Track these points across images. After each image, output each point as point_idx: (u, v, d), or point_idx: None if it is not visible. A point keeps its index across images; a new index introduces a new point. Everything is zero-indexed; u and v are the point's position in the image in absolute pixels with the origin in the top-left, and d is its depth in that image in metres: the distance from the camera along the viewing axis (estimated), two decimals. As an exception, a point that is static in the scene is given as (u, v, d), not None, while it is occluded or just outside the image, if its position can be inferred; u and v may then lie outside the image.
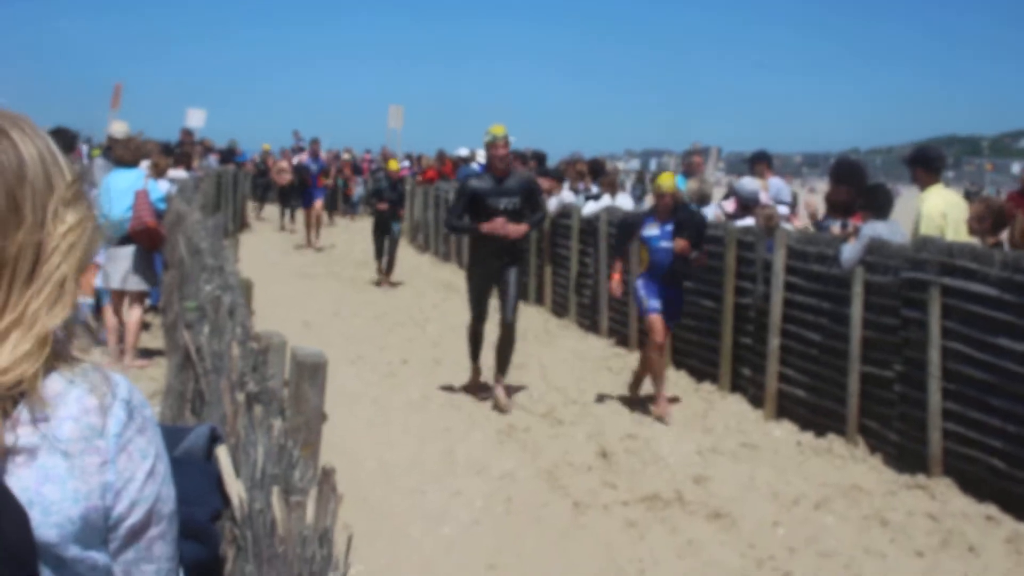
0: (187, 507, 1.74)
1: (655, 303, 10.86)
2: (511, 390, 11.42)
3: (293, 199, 29.87)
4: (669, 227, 10.82)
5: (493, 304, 11.65)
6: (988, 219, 9.17)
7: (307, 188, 27.13)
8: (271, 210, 34.12)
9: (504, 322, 11.28)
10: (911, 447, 9.07)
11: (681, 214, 10.99)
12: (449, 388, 11.77)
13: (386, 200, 20.79)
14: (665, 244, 10.80)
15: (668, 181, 11.19)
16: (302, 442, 3.05)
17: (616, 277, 11.38)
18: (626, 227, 11.50)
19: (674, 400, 11.34)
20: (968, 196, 10.54)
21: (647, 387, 11.26)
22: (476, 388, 11.61)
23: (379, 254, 20.93)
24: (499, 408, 10.85)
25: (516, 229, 10.97)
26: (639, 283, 11.12)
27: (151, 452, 1.61)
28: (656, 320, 10.87)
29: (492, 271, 11.18)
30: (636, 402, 11.23)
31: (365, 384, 11.61)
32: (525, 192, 11.23)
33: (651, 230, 10.93)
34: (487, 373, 11.74)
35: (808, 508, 8.15)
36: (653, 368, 11.00)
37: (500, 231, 10.82)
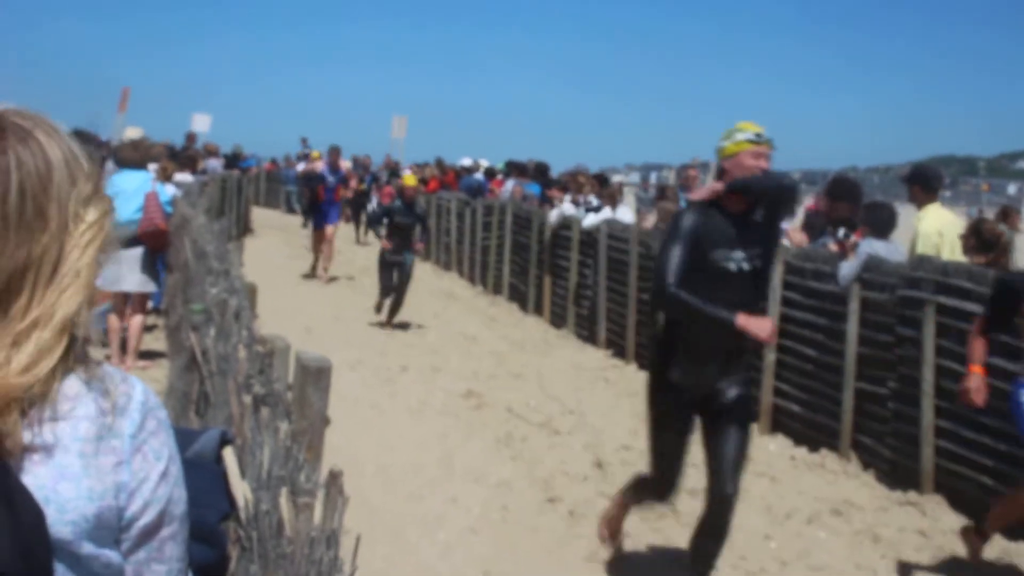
0: (197, 509, 1.75)
1: None
2: None
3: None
4: None
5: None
6: (972, 239, 9.21)
7: (319, 203, 22.01)
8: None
9: (719, 495, 6.58)
10: (903, 464, 9.08)
11: None
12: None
13: (399, 225, 16.59)
14: None
15: None
16: (307, 447, 3.07)
17: (979, 372, 7.09)
18: (1011, 292, 7.06)
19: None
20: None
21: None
22: None
23: (385, 292, 16.66)
24: None
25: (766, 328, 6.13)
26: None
27: (165, 454, 1.63)
28: None
29: (701, 394, 6.39)
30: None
31: (365, 389, 11.61)
32: (772, 242, 6.55)
33: None
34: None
35: (800, 522, 8.16)
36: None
37: (761, 334, 6.04)
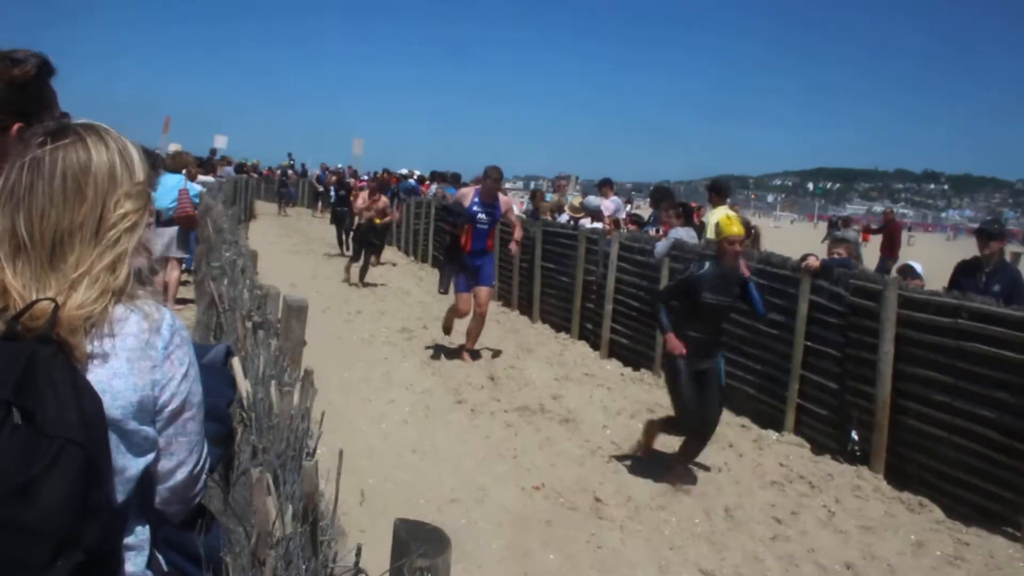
0: (210, 398, 1.76)
1: None
2: None
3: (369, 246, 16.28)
4: None
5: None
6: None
7: (462, 253, 10.27)
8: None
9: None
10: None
11: None
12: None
13: (711, 309, 6.50)
14: None
15: None
16: (290, 359, 3.04)
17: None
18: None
19: None
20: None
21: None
22: None
23: (692, 417, 6.59)
24: None
25: None
26: None
27: (186, 360, 1.64)
28: None
29: None
30: None
31: (331, 326, 11.52)
32: None
33: None
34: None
35: (626, 417, 8.28)
36: None
37: None
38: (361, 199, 16.81)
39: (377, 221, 16.40)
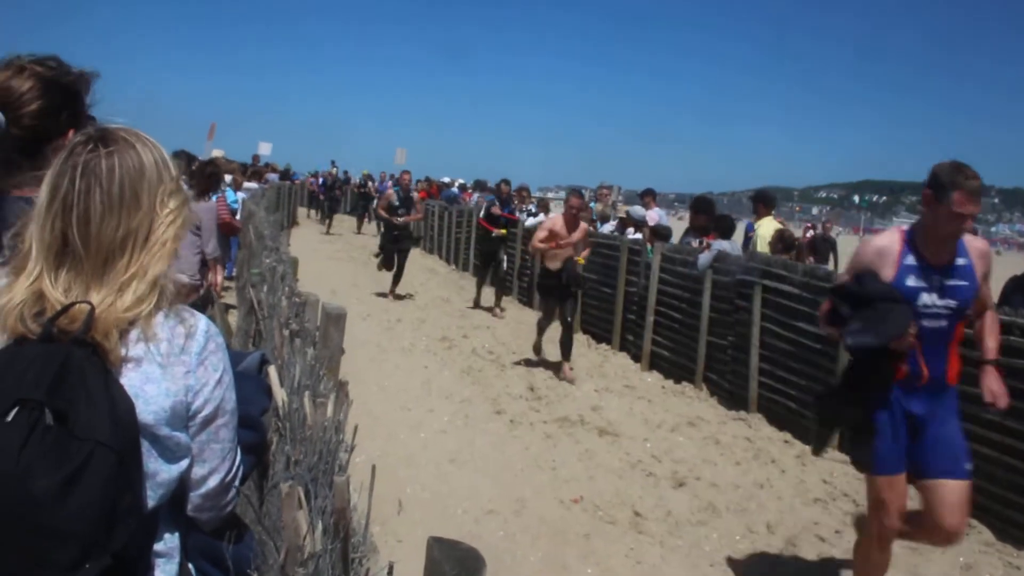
0: (244, 406, 1.76)
1: None
2: None
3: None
4: None
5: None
6: (779, 244, 9.47)
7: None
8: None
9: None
10: (737, 392, 9.14)
11: None
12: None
13: None
14: None
15: None
16: (327, 367, 3.02)
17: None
18: None
19: None
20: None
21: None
22: None
23: None
24: None
25: None
26: None
27: (221, 367, 1.64)
28: None
29: None
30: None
31: (371, 334, 11.55)
32: None
33: None
34: None
35: (667, 430, 8.19)
36: None
37: None
38: (542, 234, 10.19)
39: (581, 260, 10.26)
